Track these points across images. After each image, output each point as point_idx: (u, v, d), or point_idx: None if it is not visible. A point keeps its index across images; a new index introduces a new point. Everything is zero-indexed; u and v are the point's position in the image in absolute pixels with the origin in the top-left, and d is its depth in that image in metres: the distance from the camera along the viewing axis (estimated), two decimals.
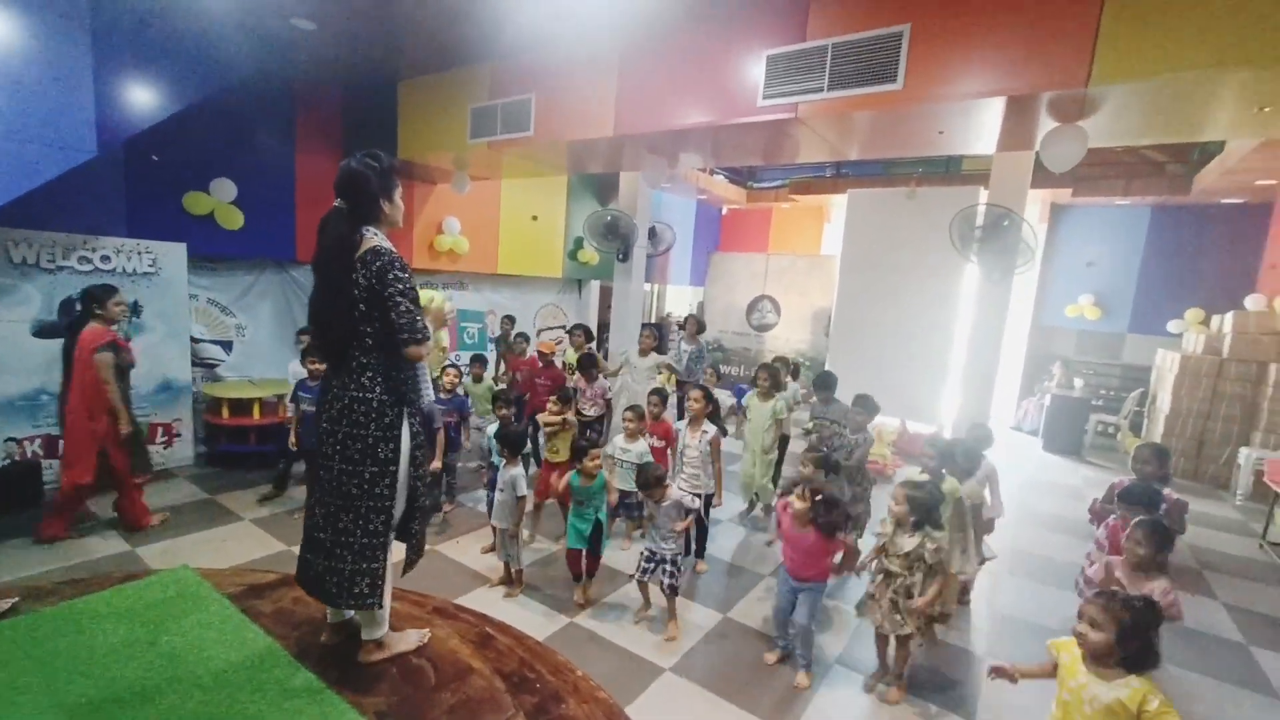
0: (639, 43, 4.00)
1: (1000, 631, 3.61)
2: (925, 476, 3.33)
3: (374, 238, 2.13)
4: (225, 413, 5.31)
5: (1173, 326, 8.34)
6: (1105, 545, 3.23)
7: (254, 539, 4.06)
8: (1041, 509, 5.76)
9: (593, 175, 8.84)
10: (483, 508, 4.64)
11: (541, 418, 4.49)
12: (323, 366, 4.41)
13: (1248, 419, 6.91)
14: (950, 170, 9.30)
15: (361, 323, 2.12)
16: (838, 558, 2.95)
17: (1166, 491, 3.43)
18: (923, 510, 2.73)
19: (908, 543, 2.72)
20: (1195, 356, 7.18)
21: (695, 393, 3.96)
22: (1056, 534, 5.13)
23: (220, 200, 5.24)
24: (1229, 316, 7.15)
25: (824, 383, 4.68)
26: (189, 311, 5.39)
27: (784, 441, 5.02)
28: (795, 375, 5.39)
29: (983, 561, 3.69)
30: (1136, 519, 2.64)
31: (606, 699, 2.53)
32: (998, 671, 2.10)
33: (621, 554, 4.19)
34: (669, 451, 4.12)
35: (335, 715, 2.11)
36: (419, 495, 2.36)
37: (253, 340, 5.96)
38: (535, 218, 8.17)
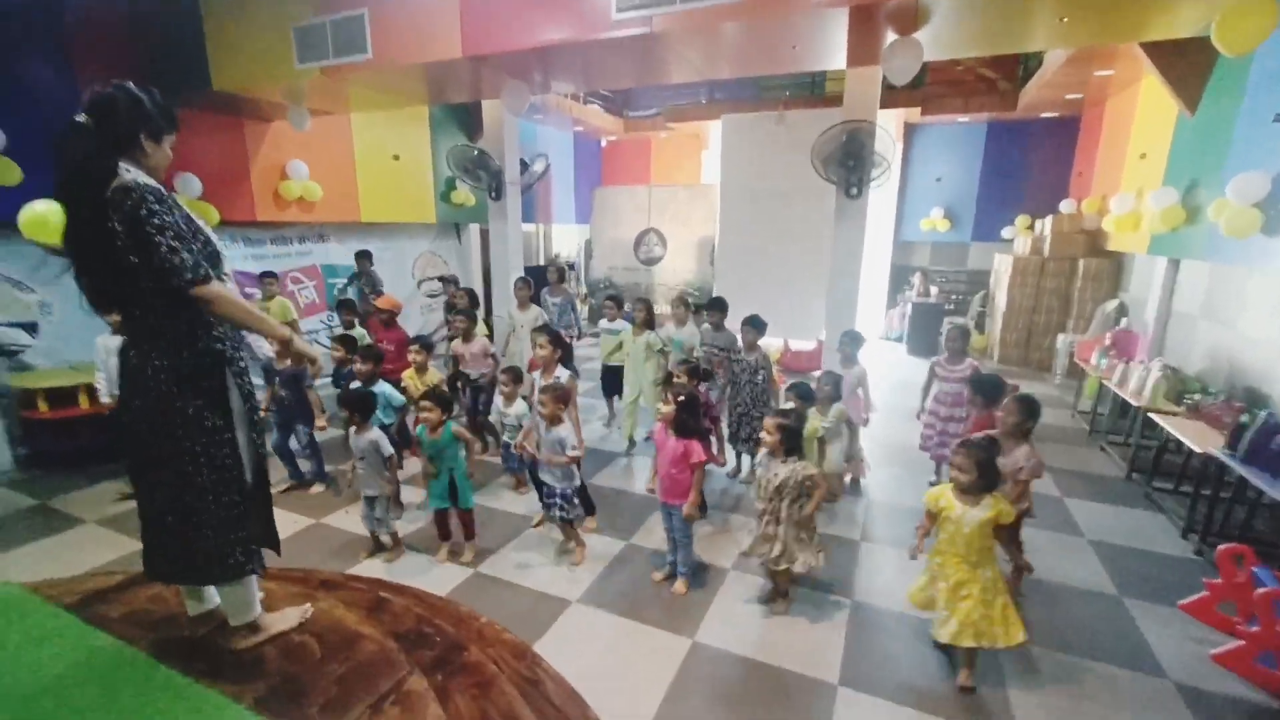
0: None
1: (877, 516, 4.03)
2: (792, 405, 3.57)
3: (126, 174, 1.78)
4: (42, 405, 4.56)
5: (1006, 233, 9.34)
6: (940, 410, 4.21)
7: (101, 542, 3.59)
8: (908, 406, 6.38)
9: (457, 106, 8.15)
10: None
11: (407, 376, 4.27)
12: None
13: (1063, 309, 7.99)
14: (815, 92, 9.55)
15: (140, 278, 1.81)
16: (701, 468, 2.98)
17: (973, 363, 4.20)
18: (794, 438, 2.87)
19: (783, 469, 2.86)
20: (1023, 258, 8.12)
21: (541, 338, 3.79)
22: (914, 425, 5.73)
23: None
24: (1048, 220, 8.09)
25: (715, 306, 4.77)
26: None
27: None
28: (696, 312, 5.23)
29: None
30: (1012, 395, 3.11)
31: (513, 639, 2.56)
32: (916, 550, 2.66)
33: (520, 498, 4.17)
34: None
35: (209, 709, 1.95)
36: (263, 468, 2.14)
37: (64, 318, 5.06)
38: (397, 157, 7.47)
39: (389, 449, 3.24)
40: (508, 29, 3.64)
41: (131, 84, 1.87)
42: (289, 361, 3.17)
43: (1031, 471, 2.85)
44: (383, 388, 3.91)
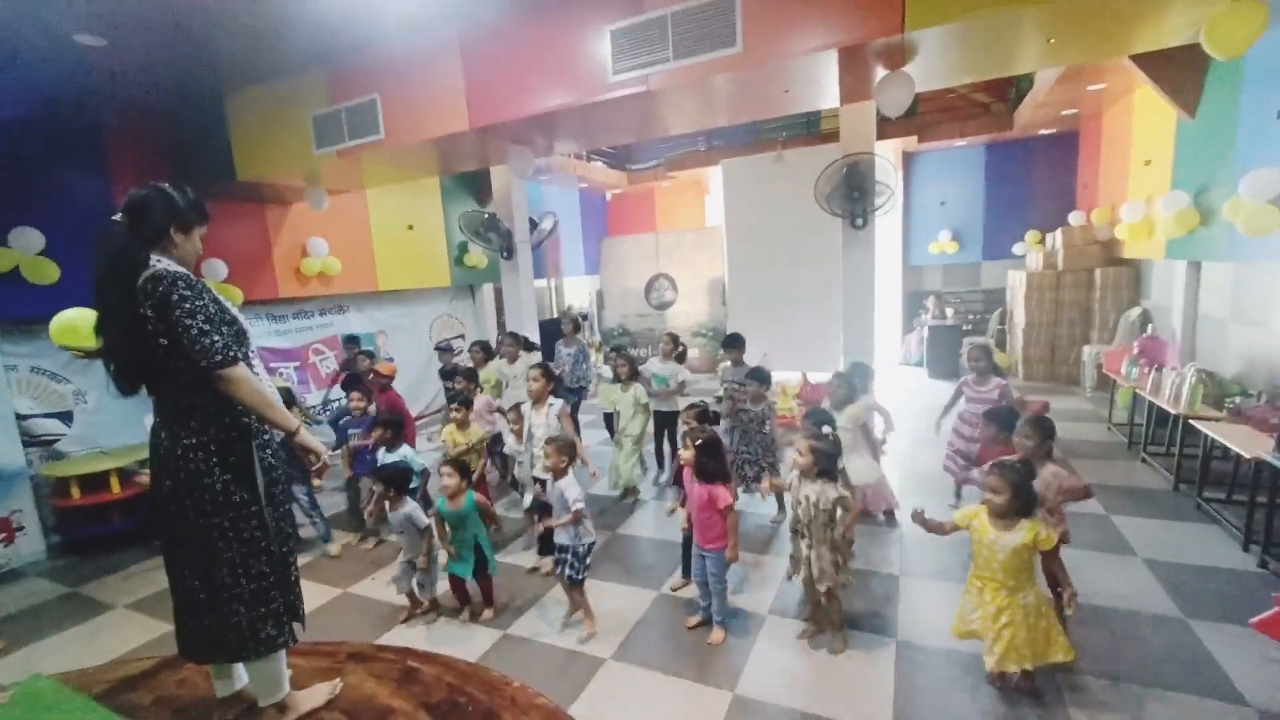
0: (481, 27, 3.83)
1: (913, 548, 3.88)
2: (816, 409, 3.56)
3: (157, 264, 1.89)
4: (75, 493, 4.65)
5: (1017, 249, 9.30)
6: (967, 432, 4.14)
7: (133, 625, 3.60)
8: (934, 431, 6.25)
9: (465, 175, 8.50)
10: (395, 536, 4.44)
11: (447, 433, 4.30)
12: None
13: (1085, 321, 7.85)
14: (811, 130, 9.80)
15: (171, 359, 1.89)
16: (733, 512, 2.94)
17: (1002, 382, 4.16)
18: (826, 460, 2.85)
19: (812, 490, 2.84)
20: (1038, 273, 8.05)
21: (534, 370, 3.86)
22: (934, 450, 5.57)
23: (24, 253, 4.53)
24: (1059, 233, 8.05)
25: (732, 344, 4.84)
26: (8, 385, 4.66)
27: (673, 421, 5.08)
28: (682, 359, 5.19)
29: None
30: (1025, 417, 3.01)
31: (546, 704, 2.47)
32: (921, 519, 2.62)
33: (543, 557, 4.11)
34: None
35: None
36: (285, 541, 2.12)
37: (98, 405, 5.23)
38: (411, 226, 7.76)
39: (424, 520, 3.26)
40: (511, 99, 3.82)
41: (166, 185, 2.01)
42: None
43: (1069, 493, 2.73)
44: (405, 452, 3.93)
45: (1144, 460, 5.09)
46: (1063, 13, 2.75)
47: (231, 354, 1.89)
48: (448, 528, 3.30)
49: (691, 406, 3.67)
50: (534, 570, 3.86)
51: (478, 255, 8.52)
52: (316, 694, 2.24)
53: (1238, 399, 4.29)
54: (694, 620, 3.16)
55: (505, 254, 5.97)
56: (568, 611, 3.30)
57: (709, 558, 2.98)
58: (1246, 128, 4.48)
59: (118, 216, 1.93)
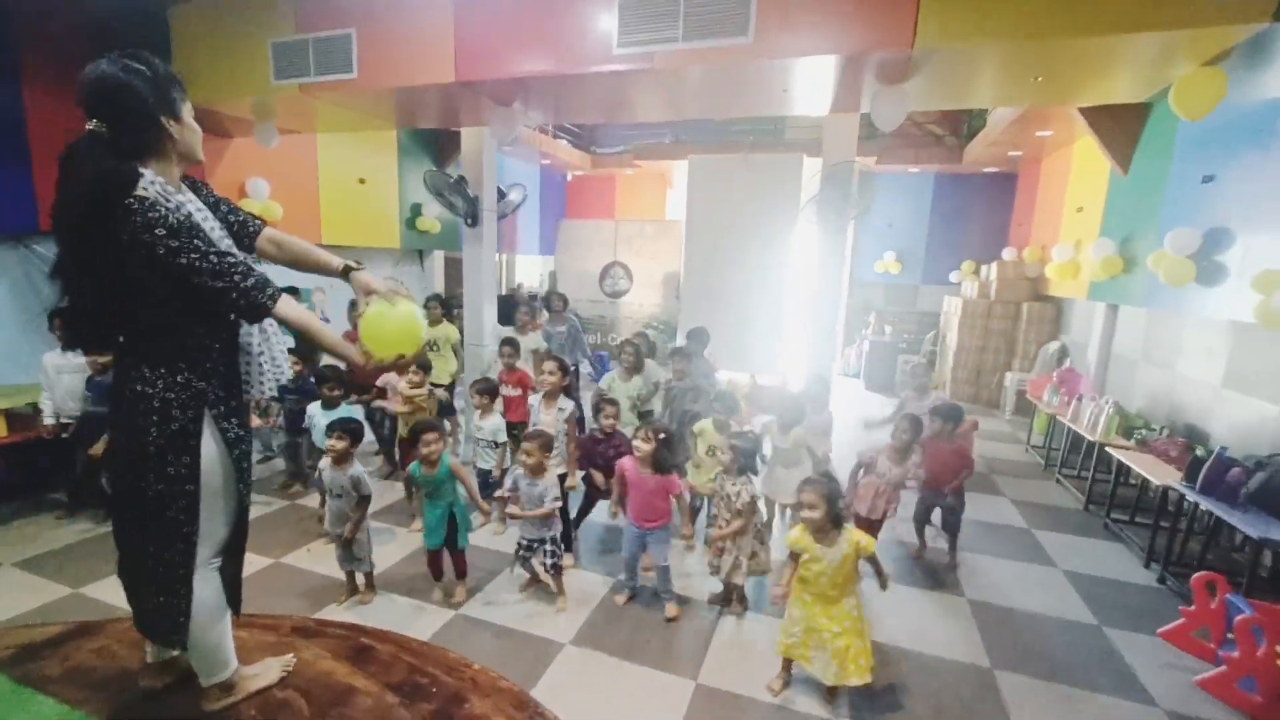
0: None
1: None
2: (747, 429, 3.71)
3: (151, 185, 1.55)
4: None
5: (953, 277, 9.89)
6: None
7: (22, 587, 3.16)
8: (869, 439, 6.55)
9: (426, 133, 8.05)
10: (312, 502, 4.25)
11: (400, 389, 4.07)
12: (106, 359, 3.65)
13: (1008, 349, 8.46)
14: (777, 137, 9.99)
15: (137, 298, 1.59)
16: (683, 497, 3.27)
17: (941, 396, 4.56)
18: (746, 457, 3.06)
19: (733, 487, 3.02)
20: (972, 300, 8.59)
21: (549, 364, 3.62)
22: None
23: None
24: (993, 266, 8.63)
25: (695, 337, 4.86)
26: None
27: (647, 419, 5.06)
28: (652, 354, 5.16)
29: None
30: (901, 414, 3.53)
31: (511, 687, 2.37)
32: (780, 598, 2.57)
33: (495, 536, 3.97)
34: (527, 399, 3.99)
35: None
36: (240, 526, 1.89)
37: None
38: (363, 180, 7.26)
39: (369, 489, 3.01)
40: (503, 56, 3.63)
41: (132, 59, 1.61)
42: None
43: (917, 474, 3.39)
44: (346, 410, 3.77)
45: (1058, 481, 5.54)
46: (1059, 53, 2.92)
47: (262, 292, 1.64)
48: (421, 494, 3.14)
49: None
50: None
51: (430, 220, 8.11)
52: (269, 670, 2.03)
53: (1144, 432, 4.75)
54: (622, 598, 3.25)
55: (470, 221, 5.70)
56: (524, 581, 3.32)
57: (651, 536, 3.10)
58: (1174, 187, 4.94)
59: (92, 124, 1.55)
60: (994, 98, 3.81)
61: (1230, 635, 2.70)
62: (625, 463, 3.16)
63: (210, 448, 1.73)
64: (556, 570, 3.14)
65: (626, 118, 4.96)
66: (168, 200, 1.58)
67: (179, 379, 1.67)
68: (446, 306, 5.34)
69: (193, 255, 1.54)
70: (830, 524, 2.41)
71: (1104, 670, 2.88)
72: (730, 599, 3.22)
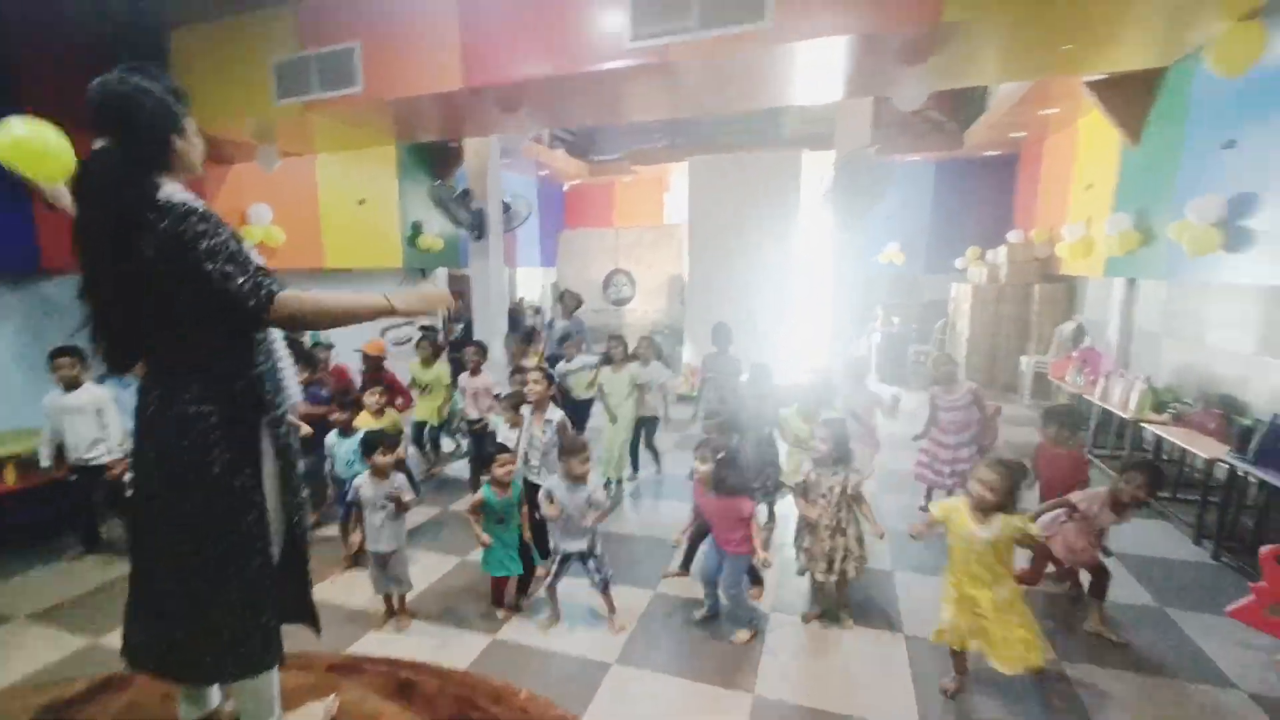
0: None
1: (899, 544, 3.88)
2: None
3: (170, 195, 1.53)
4: None
5: (958, 264, 9.81)
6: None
7: (40, 640, 3.02)
8: (888, 431, 6.43)
9: (426, 149, 7.96)
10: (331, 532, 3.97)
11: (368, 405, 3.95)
12: (74, 372, 3.65)
13: (1021, 333, 8.37)
14: (773, 134, 9.93)
15: (186, 312, 1.54)
16: (755, 519, 2.90)
17: (971, 386, 4.32)
18: (842, 445, 2.85)
19: (833, 480, 2.79)
20: (982, 286, 8.51)
21: (533, 374, 3.53)
22: (907, 450, 5.73)
23: None
24: (1001, 249, 8.55)
25: (718, 334, 4.79)
26: None
27: (651, 424, 4.99)
28: (659, 355, 5.11)
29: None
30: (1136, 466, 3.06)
31: (562, 714, 2.25)
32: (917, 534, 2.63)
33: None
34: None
35: None
36: (298, 532, 1.83)
37: None
38: (363, 201, 7.17)
39: (411, 494, 2.93)
40: (512, 59, 3.55)
41: (136, 74, 1.58)
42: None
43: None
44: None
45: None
46: (1094, 13, 2.81)
47: (271, 281, 1.55)
48: (483, 521, 2.99)
49: (710, 416, 3.52)
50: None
51: (432, 238, 8.02)
52: (311, 714, 1.91)
53: (1177, 405, 4.64)
54: (701, 612, 3.06)
55: (476, 234, 5.61)
56: (548, 618, 3.08)
57: (730, 560, 2.87)
58: (1190, 155, 4.85)
59: (99, 142, 1.53)
60: (1016, 70, 3.72)
61: None
62: (697, 485, 2.99)
63: (269, 456, 1.71)
64: (604, 586, 3.00)
65: (639, 115, 4.86)
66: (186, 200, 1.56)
67: (239, 387, 1.65)
68: (437, 349, 5.19)
69: (215, 239, 1.50)
70: (996, 510, 2.33)
71: (1176, 654, 2.76)
72: (842, 606, 3.01)
